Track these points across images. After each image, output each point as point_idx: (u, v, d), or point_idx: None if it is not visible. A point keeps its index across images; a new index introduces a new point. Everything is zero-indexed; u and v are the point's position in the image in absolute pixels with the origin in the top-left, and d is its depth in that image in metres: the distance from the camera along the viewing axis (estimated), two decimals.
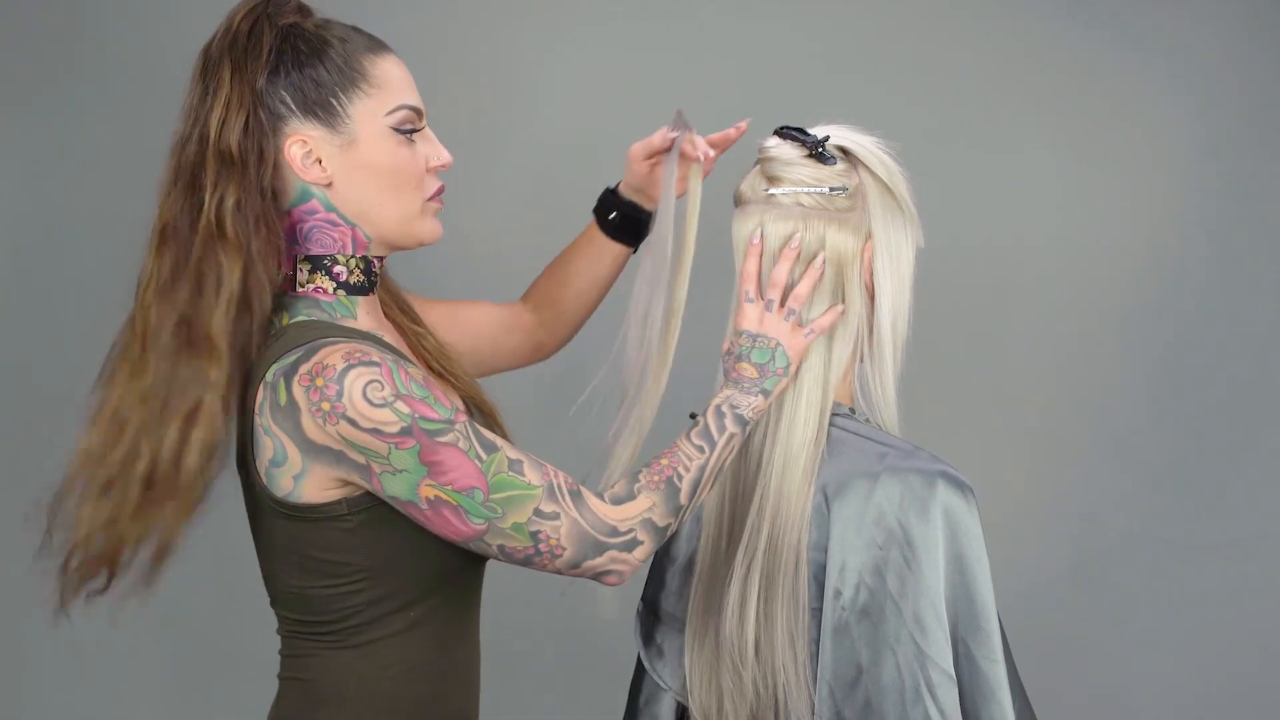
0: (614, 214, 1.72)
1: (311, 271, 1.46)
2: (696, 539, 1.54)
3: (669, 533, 1.45)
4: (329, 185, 1.43)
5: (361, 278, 1.47)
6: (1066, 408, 2.64)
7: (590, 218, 1.75)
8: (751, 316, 1.49)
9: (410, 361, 1.46)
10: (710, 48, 2.58)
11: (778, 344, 1.48)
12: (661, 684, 1.56)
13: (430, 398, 1.35)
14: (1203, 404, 2.64)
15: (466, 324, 1.75)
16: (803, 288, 1.46)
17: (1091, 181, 2.61)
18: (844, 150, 1.46)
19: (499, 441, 1.40)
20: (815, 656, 1.40)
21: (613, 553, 1.40)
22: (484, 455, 1.36)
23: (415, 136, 1.45)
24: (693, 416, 1.60)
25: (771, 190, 1.45)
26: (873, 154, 1.46)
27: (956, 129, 2.58)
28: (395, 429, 1.33)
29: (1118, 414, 2.64)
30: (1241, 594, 2.63)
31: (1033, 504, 2.63)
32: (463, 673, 1.54)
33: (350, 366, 1.33)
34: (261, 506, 1.42)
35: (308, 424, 1.34)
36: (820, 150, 1.44)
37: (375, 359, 1.34)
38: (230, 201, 1.38)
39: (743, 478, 1.46)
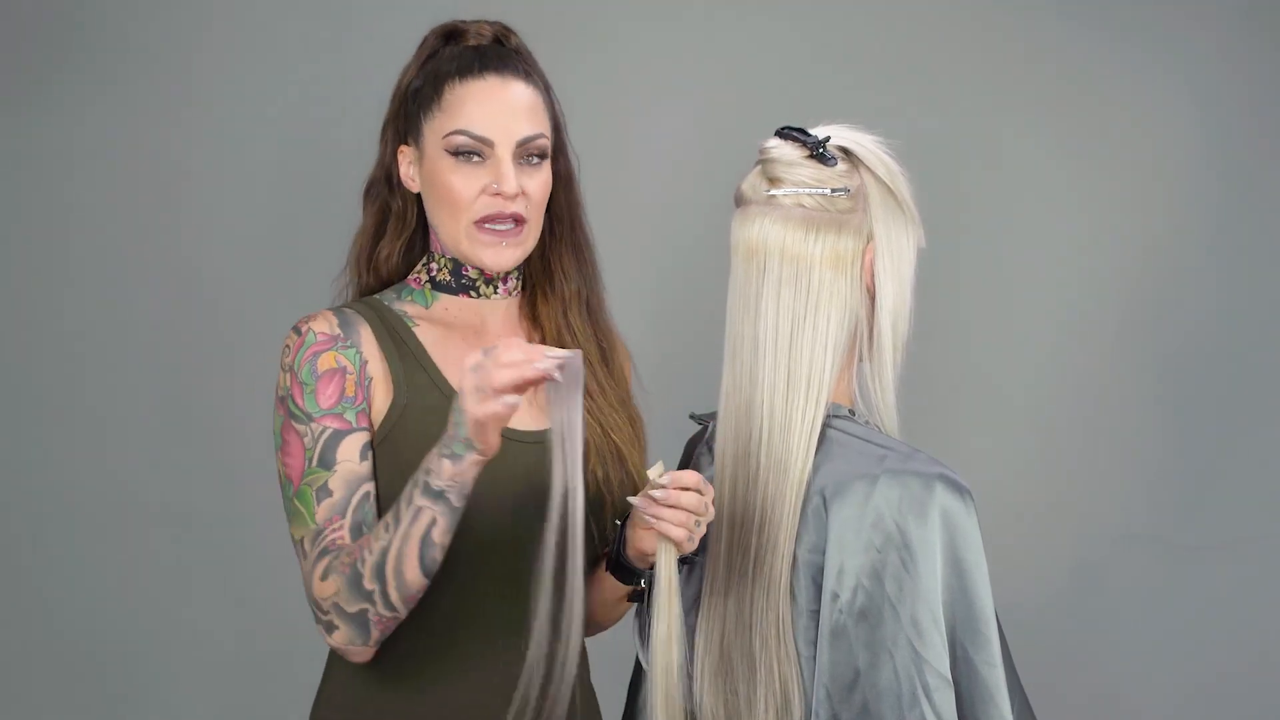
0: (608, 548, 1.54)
1: (425, 264, 1.58)
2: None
3: (376, 618, 1.35)
4: (420, 194, 1.55)
5: (449, 277, 1.55)
6: (1066, 408, 2.64)
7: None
8: (467, 362, 1.27)
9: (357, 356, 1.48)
10: (710, 47, 2.58)
11: (462, 410, 1.27)
12: None
13: (310, 387, 1.44)
14: (1202, 404, 2.64)
15: None
16: (504, 377, 1.23)
17: (1091, 181, 2.61)
18: (845, 151, 1.45)
19: (342, 469, 1.42)
20: (813, 659, 1.40)
21: (320, 627, 1.40)
22: (314, 464, 1.42)
23: (482, 162, 1.49)
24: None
25: (772, 191, 1.44)
26: (874, 154, 1.45)
27: (956, 129, 2.57)
28: (279, 393, 1.47)
29: (1117, 414, 2.64)
30: (1241, 594, 2.63)
31: (1032, 504, 2.63)
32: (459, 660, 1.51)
33: (293, 327, 1.49)
34: None
35: None
36: (821, 151, 1.43)
37: (304, 329, 1.47)
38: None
39: (743, 480, 1.45)
